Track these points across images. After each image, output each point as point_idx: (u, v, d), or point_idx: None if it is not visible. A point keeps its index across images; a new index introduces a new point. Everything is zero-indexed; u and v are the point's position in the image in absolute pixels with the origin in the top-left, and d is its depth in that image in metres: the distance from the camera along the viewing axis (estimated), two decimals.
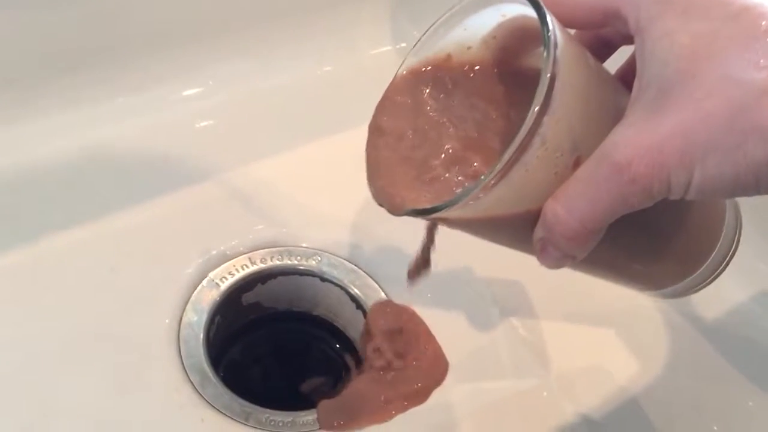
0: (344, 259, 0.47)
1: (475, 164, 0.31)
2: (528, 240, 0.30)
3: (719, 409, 0.43)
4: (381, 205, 0.33)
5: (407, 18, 0.62)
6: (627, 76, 0.31)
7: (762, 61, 0.25)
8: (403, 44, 0.61)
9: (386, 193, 0.33)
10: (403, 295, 0.45)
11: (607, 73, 0.31)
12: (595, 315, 0.46)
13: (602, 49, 0.33)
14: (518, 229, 0.30)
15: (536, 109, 0.27)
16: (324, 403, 0.40)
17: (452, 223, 0.31)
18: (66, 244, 0.45)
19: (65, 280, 0.43)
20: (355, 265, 0.47)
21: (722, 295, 0.48)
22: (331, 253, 0.47)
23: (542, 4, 0.28)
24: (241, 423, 0.39)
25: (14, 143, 0.48)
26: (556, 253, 0.29)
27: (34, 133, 0.49)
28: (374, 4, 0.60)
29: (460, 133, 0.33)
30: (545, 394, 0.42)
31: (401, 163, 0.33)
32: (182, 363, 0.41)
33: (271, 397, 0.42)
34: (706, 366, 0.45)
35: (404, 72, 0.34)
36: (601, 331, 0.46)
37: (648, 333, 0.46)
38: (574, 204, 0.28)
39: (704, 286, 0.36)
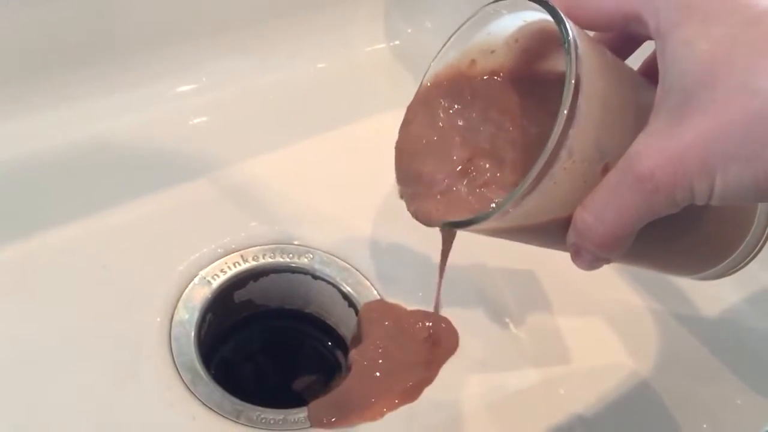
0: (336, 257, 0.47)
1: (503, 178, 0.32)
2: (560, 243, 0.31)
3: (709, 407, 0.44)
4: (416, 217, 0.34)
5: (401, 16, 0.62)
6: (651, 70, 0.31)
7: None
8: (397, 42, 0.61)
9: (420, 207, 0.34)
10: (395, 294, 0.45)
11: (629, 71, 0.31)
12: (587, 314, 0.46)
13: (626, 44, 0.33)
14: (550, 234, 0.31)
15: (561, 123, 0.27)
16: (315, 401, 0.40)
17: (484, 231, 0.32)
18: (58, 241, 0.45)
19: (57, 277, 0.43)
20: (348, 263, 0.47)
21: (713, 295, 0.48)
22: (323, 251, 0.47)
23: (562, 16, 0.28)
24: (233, 421, 0.39)
25: (7, 139, 0.48)
26: (589, 256, 0.30)
27: (28, 130, 0.49)
28: (369, 2, 0.60)
29: (488, 147, 0.33)
30: (538, 392, 0.42)
31: (431, 176, 0.34)
32: (174, 361, 0.41)
33: (262, 395, 0.42)
34: (696, 364, 0.46)
35: (428, 84, 0.34)
36: (593, 330, 0.46)
37: (640, 332, 0.46)
38: (603, 213, 0.29)
39: (742, 267, 0.36)
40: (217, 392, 0.40)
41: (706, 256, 0.35)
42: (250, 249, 0.46)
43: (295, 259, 0.47)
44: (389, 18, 0.61)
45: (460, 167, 0.33)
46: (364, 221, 0.49)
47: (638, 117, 0.29)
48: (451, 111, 0.34)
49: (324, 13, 0.59)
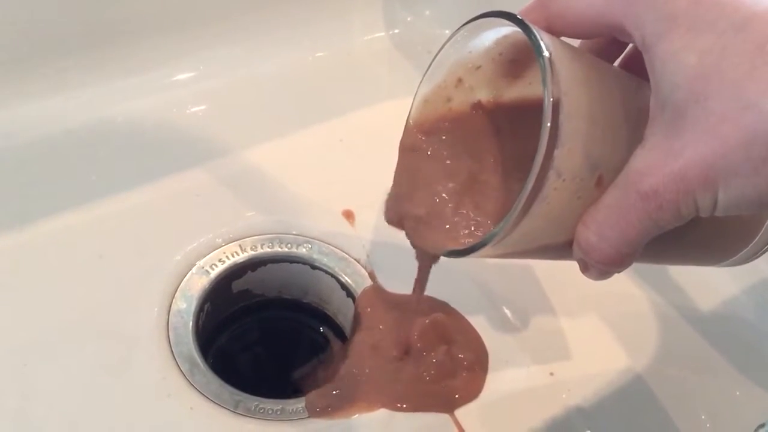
0: (335, 247, 0.47)
1: (497, 206, 0.33)
2: (568, 256, 0.31)
3: (708, 399, 0.44)
4: (415, 246, 0.35)
5: (400, 4, 0.61)
6: (631, 63, 0.31)
7: None
8: (396, 30, 0.61)
9: (421, 237, 0.35)
10: (393, 283, 0.45)
11: (615, 75, 0.31)
12: (586, 307, 0.46)
13: (613, 47, 0.33)
14: (557, 251, 0.31)
15: (543, 146, 0.27)
16: (313, 391, 0.40)
17: (490, 256, 0.32)
18: (55, 230, 0.44)
19: (54, 267, 0.43)
20: (346, 253, 0.47)
21: (713, 288, 0.48)
22: (321, 241, 0.47)
23: (535, 32, 0.28)
24: (231, 411, 0.39)
25: (2, 127, 0.48)
26: (596, 271, 0.30)
27: (22, 118, 0.49)
28: None
29: (480, 179, 0.34)
30: (535, 385, 0.42)
31: (430, 207, 0.34)
32: (171, 351, 0.41)
33: (260, 385, 0.42)
34: (695, 357, 0.46)
35: (411, 123, 0.35)
36: (592, 323, 0.46)
37: (639, 325, 0.46)
38: (606, 232, 0.28)
39: (764, 252, 0.36)
40: (215, 382, 0.40)
41: (725, 247, 0.35)
42: (248, 239, 0.46)
43: (294, 249, 0.47)
44: (388, 6, 0.61)
45: (454, 201, 0.34)
46: (362, 211, 0.48)
47: (630, 123, 0.29)
48: (438, 150, 0.35)
49: (323, 2, 0.59)
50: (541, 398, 0.42)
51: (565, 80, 0.28)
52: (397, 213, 0.35)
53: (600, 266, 0.29)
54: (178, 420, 0.39)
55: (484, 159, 0.34)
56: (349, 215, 0.48)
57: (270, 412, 0.40)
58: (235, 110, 0.54)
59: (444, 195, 0.34)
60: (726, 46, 0.25)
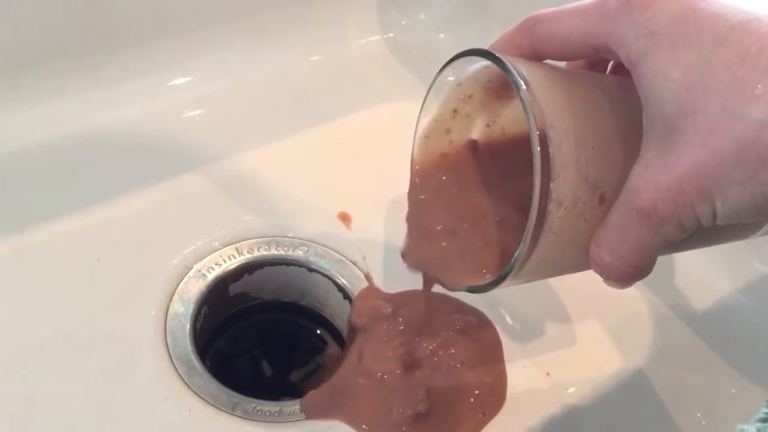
0: (331, 249, 0.47)
1: (508, 242, 0.34)
2: (585, 268, 0.32)
3: (703, 396, 0.44)
4: (440, 283, 0.37)
5: (395, 7, 0.62)
6: (621, 70, 0.31)
7: (758, 87, 0.25)
8: (391, 34, 0.61)
9: (438, 272, 0.36)
10: (390, 285, 0.45)
11: (603, 88, 0.31)
12: (581, 306, 0.46)
13: (601, 64, 0.33)
14: (572, 269, 0.33)
15: (538, 183, 0.28)
16: (309, 393, 0.40)
17: (509, 286, 0.33)
18: (52, 235, 0.45)
19: (52, 271, 0.43)
20: (342, 255, 0.47)
21: (708, 286, 0.48)
22: (318, 243, 0.47)
23: (514, 70, 0.29)
24: (228, 413, 0.39)
25: None
26: (617, 285, 0.31)
27: (20, 123, 0.49)
28: None
29: (491, 217, 0.35)
30: (532, 385, 0.42)
31: (442, 246, 0.36)
32: (169, 354, 0.41)
33: (258, 388, 0.42)
34: (691, 354, 0.46)
35: (416, 166, 0.37)
36: (587, 323, 0.46)
37: (634, 322, 0.46)
38: (618, 251, 0.29)
39: None
40: (213, 385, 0.40)
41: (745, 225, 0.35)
42: (245, 242, 0.46)
43: (290, 252, 0.47)
44: (383, 10, 0.61)
45: (467, 239, 0.35)
46: (358, 213, 0.49)
47: (623, 133, 0.30)
48: (445, 192, 0.36)
49: (317, 6, 0.59)
50: (538, 398, 0.42)
51: (549, 111, 0.28)
52: (415, 261, 0.37)
53: (619, 281, 0.30)
54: (176, 422, 0.39)
55: (490, 196, 0.36)
56: (345, 218, 0.48)
57: (268, 413, 0.40)
58: (231, 114, 0.54)
59: (457, 234, 0.36)
60: (709, 60, 0.26)
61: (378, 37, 0.61)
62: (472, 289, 0.33)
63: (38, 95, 0.50)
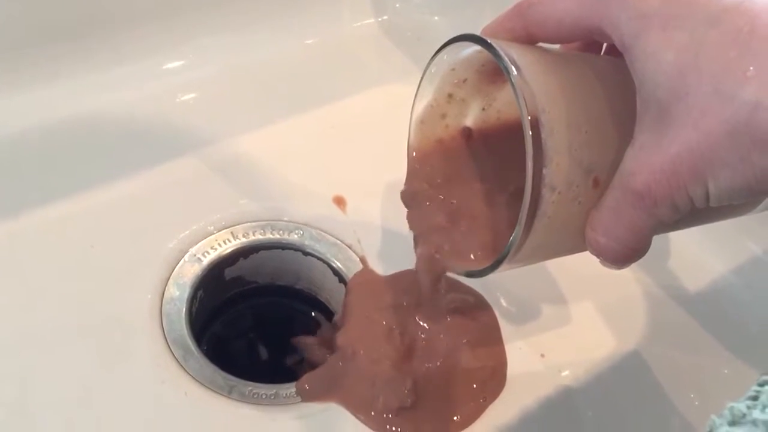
0: (326, 233, 0.47)
1: (503, 228, 0.34)
2: (581, 250, 0.32)
3: (696, 377, 0.44)
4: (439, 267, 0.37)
5: None
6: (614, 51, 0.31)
7: (750, 69, 0.25)
8: (385, 16, 0.61)
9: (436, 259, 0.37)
10: (385, 268, 0.45)
11: (595, 69, 0.31)
12: (575, 288, 0.46)
13: (595, 47, 0.33)
14: (568, 251, 0.33)
15: (531, 169, 0.28)
16: (305, 376, 0.41)
17: (508, 269, 0.33)
18: (46, 220, 0.44)
19: (46, 257, 0.43)
20: (338, 239, 0.47)
21: (701, 267, 0.48)
22: (313, 227, 0.47)
23: (504, 55, 0.29)
24: (225, 396, 0.40)
25: None
26: (614, 266, 0.31)
27: (12, 107, 0.49)
28: None
29: (487, 204, 0.36)
30: (527, 367, 0.43)
31: (439, 230, 0.36)
32: (165, 337, 0.41)
33: (254, 371, 0.42)
34: (684, 336, 0.46)
35: (416, 155, 0.37)
36: (581, 304, 0.46)
37: (628, 304, 0.47)
38: (614, 233, 0.30)
39: None
40: (209, 368, 0.41)
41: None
42: (240, 226, 0.46)
43: (285, 236, 0.47)
44: None
45: (466, 226, 0.36)
46: (353, 197, 0.49)
47: (616, 116, 0.30)
48: (443, 178, 0.37)
49: None
50: (533, 379, 0.42)
51: (541, 96, 0.28)
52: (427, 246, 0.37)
53: (615, 263, 0.31)
54: (172, 405, 0.39)
55: (486, 181, 0.36)
56: (340, 201, 0.48)
57: (264, 396, 0.40)
58: (226, 98, 0.54)
59: (454, 220, 0.36)
60: (701, 41, 0.26)
61: (372, 20, 0.61)
62: (469, 274, 0.34)
63: (31, 79, 0.50)
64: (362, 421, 0.39)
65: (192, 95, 0.54)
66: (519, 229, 0.29)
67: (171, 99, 0.53)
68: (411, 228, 0.37)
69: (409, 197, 0.37)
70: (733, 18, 0.26)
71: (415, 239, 0.37)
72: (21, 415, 0.37)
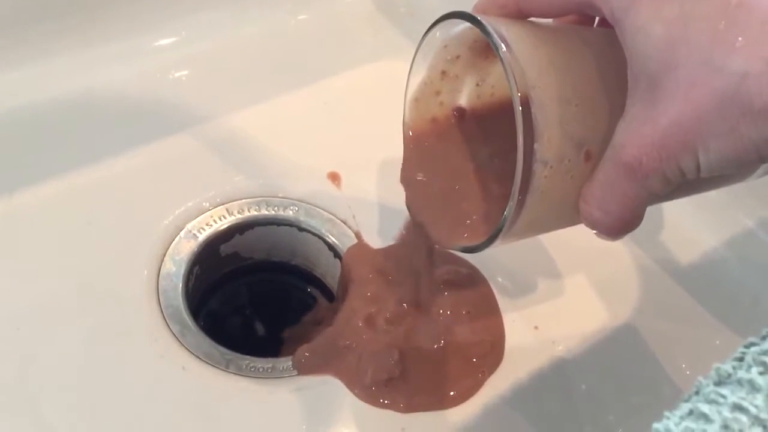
0: (321, 209, 0.47)
1: (497, 204, 0.34)
2: (576, 222, 0.32)
3: (688, 349, 0.45)
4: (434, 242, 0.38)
5: None
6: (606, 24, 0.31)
7: (739, 40, 0.25)
8: None
9: (432, 233, 0.37)
10: (380, 243, 0.46)
11: (585, 42, 0.31)
12: (568, 261, 0.47)
13: (587, 22, 0.33)
14: (564, 224, 0.33)
15: (521, 144, 0.28)
16: (300, 348, 0.41)
17: (511, 242, 0.33)
18: (41, 197, 0.45)
19: (42, 234, 0.43)
20: (332, 215, 0.47)
21: (693, 240, 0.49)
22: (308, 203, 0.47)
23: (493, 32, 0.29)
24: (222, 370, 0.40)
25: None
26: (608, 237, 0.31)
27: (6, 85, 0.48)
28: None
29: (482, 181, 0.36)
30: (520, 339, 0.43)
31: (436, 208, 0.37)
32: (162, 313, 0.41)
33: (251, 345, 0.43)
34: (676, 308, 0.46)
35: (411, 134, 0.37)
36: (574, 277, 0.46)
37: (621, 276, 0.47)
38: (606, 206, 0.30)
39: None
40: (206, 342, 0.41)
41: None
42: (235, 202, 0.47)
43: (280, 212, 0.47)
44: None
45: (462, 202, 0.36)
46: (347, 172, 0.49)
47: (608, 88, 0.30)
48: (438, 156, 0.37)
49: None
50: (527, 351, 0.43)
51: (531, 71, 0.28)
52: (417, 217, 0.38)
53: (611, 234, 0.31)
54: (171, 379, 0.39)
55: (481, 158, 0.36)
56: (334, 177, 0.49)
57: (261, 370, 0.41)
58: (219, 75, 0.54)
59: (450, 197, 0.36)
60: (690, 14, 0.26)
61: None
62: (465, 249, 0.34)
63: (24, 57, 0.49)
64: (356, 394, 0.39)
65: (185, 72, 0.54)
66: (512, 205, 0.29)
67: (164, 76, 0.53)
68: (408, 207, 0.38)
69: (406, 181, 0.38)
70: None
71: (411, 216, 0.38)
72: (20, 392, 0.38)
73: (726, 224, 0.48)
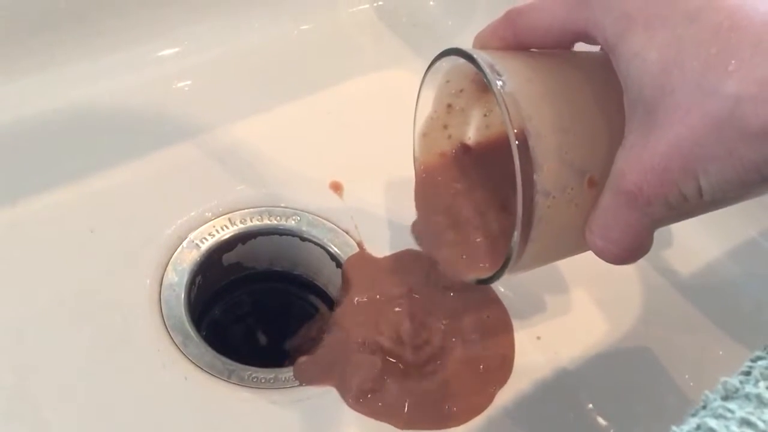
0: (323, 219, 0.47)
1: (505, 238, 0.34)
2: (586, 249, 0.32)
3: (691, 358, 0.44)
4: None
5: None
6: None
7: (732, 63, 0.25)
8: (380, 2, 0.61)
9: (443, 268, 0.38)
10: (382, 253, 0.46)
11: (581, 69, 0.32)
12: (570, 271, 0.47)
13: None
14: (572, 252, 0.33)
15: (521, 177, 0.28)
16: (301, 359, 0.41)
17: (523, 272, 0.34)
18: (45, 206, 0.45)
19: (45, 243, 0.43)
20: (335, 224, 0.47)
21: (695, 249, 0.49)
22: (310, 213, 0.47)
23: (485, 67, 0.29)
24: (224, 380, 0.40)
25: None
26: (619, 264, 0.31)
27: (9, 95, 0.49)
28: None
29: (487, 216, 0.36)
30: (523, 349, 0.43)
31: (447, 244, 0.37)
32: (164, 323, 0.41)
33: (253, 356, 0.43)
34: (678, 317, 0.46)
35: (422, 169, 0.38)
36: (576, 287, 0.46)
37: (623, 285, 0.47)
38: (610, 234, 0.30)
39: None
40: (208, 353, 0.41)
41: None
42: (237, 212, 0.47)
43: (283, 221, 0.47)
44: None
45: (472, 236, 0.36)
46: (350, 182, 0.49)
47: (606, 114, 0.30)
48: (449, 190, 0.38)
49: None
50: (529, 362, 0.43)
51: (526, 103, 0.29)
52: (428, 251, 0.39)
53: (617, 263, 0.31)
54: (173, 390, 0.39)
55: (489, 190, 0.37)
56: (337, 187, 0.49)
57: (263, 380, 0.41)
58: (221, 85, 0.54)
59: (461, 230, 0.37)
60: (682, 39, 0.26)
61: (367, 6, 0.61)
62: (479, 282, 0.34)
63: (26, 68, 0.50)
64: (349, 404, 0.39)
65: (188, 82, 0.54)
66: (516, 237, 0.29)
67: (167, 86, 0.53)
68: (418, 243, 0.39)
69: (417, 230, 0.39)
70: (710, 14, 0.26)
71: (423, 249, 0.39)
72: (22, 401, 0.38)
73: (729, 234, 0.48)
